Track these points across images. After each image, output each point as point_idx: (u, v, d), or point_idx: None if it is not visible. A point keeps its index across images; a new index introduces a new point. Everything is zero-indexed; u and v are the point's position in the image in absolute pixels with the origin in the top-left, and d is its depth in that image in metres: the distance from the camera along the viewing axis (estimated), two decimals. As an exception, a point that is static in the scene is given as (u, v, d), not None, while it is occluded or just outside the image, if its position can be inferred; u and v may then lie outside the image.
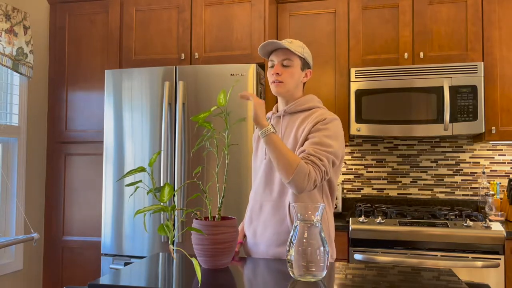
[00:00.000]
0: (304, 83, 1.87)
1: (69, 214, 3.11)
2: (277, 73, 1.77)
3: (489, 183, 3.08)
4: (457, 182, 3.16)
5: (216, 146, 1.57)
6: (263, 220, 1.79)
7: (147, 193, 1.42)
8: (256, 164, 1.89)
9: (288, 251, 1.33)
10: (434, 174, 3.19)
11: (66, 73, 3.18)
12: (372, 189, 3.28)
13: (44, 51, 3.24)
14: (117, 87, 2.86)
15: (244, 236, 1.93)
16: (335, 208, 3.03)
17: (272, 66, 1.80)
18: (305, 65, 1.82)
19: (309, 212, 1.33)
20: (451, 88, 2.77)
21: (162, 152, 2.70)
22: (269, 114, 1.93)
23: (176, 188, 2.68)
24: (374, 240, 2.57)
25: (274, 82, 1.79)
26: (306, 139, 1.72)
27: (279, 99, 1.89)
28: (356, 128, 2.89)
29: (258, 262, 1.60)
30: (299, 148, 1.72)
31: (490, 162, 3.11)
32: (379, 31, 3.00)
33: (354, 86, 2.91)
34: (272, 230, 1.75)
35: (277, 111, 1.90)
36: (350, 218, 2.68)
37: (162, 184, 2.55)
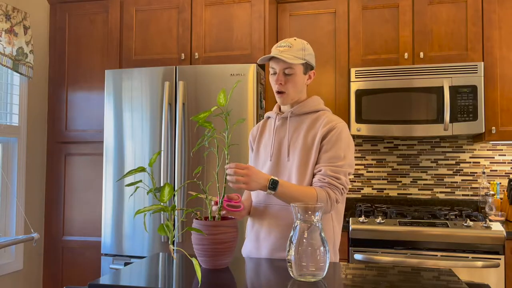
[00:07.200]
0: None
1: (69, 214, 3.11)
2: (280, 83, 1.75)
3: (489, 183, 3.08)
4: (457, 182, 3.16)
5: (217, 146, 1.57)
6: (268, 224, 1.74)
7: (147, 193, 1.42)
8: (258, 165, 1.86)
9: (288, 251, 1.33)
10: (434, 174, 3.19)
11: (66, 73, 3.18)
12: (372, 189, 3.28)
13: (44, 51, 3.24)
14: (117, 87, 2.86)
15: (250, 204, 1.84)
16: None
17: (274, 73, 1.77)
18: (307, 67, 1.79)
19: (309, 212, 1.33)
20: (451, 88, 2.77)
21: (162, 152, 2.70)
22: (272, 114, 1.88)
23: (176, 188, 2.68)
24: (374, 240, 2.57)
25: (278, 92, 1.77)
26: (319, 148, 1.72)
27: None
28: (356, 128, 2.89)
29: (258, 262, 1.60)
30: (314, 158, 1.71)
31: (490, 162, 3.11)
32: (379, 31, 3.00)
33: (354, 86, 2.91)
34: (278, 234, 1.71)
35: (280, 110, 1.87)
36: (350, 218, 2.68)
37: (162, 184, 2.56)
